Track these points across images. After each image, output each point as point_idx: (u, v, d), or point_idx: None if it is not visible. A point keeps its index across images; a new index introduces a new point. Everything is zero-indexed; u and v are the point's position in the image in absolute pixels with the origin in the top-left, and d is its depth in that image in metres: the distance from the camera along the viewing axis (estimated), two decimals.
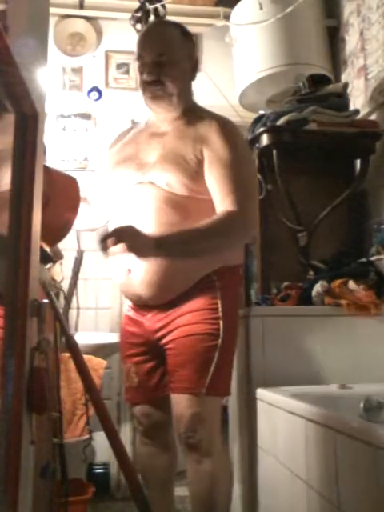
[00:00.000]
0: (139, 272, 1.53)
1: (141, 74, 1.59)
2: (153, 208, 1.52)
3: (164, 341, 1.58)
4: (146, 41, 1.61)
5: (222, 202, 1.48)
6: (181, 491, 2.15)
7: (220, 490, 1.54)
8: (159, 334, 1.59)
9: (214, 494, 1.53)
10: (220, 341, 1.53)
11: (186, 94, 1.61)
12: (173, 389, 1.55)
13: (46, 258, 1.44)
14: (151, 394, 1.66)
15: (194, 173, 1.51)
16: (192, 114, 1.61)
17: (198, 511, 1.55)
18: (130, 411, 2.03)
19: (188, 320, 1.54)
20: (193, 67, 1.64)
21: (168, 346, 1.57)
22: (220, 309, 1.56)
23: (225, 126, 1.56)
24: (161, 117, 1.62)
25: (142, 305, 1.62)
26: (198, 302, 1.56)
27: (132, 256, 1.39)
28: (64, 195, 1.43)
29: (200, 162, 1.51)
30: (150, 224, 1.49)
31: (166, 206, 1.51)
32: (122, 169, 1.62)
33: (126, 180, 1.59)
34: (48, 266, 1.53)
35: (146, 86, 1.57)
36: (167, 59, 1.55)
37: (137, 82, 3.19)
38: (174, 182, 1.50)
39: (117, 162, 1.66)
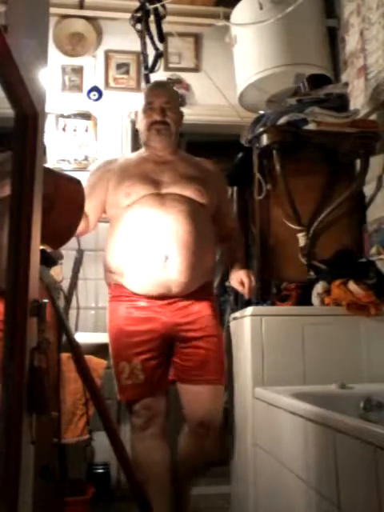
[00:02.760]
0: (175, 261, 1.81)
1: (148, 116, 1.99)
2: (182, 212, 1.87)
3: (189, 335, 1.86)
4: (156, 91, 2.05)
5: (228, 218, 2.16)
6: None
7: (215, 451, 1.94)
8: (183, 327, 1.86)
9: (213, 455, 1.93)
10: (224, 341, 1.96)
11: (177, 137, 2.06)
12: (197, 381, 1.83)
13: (50, 261, 1.45)
14: (156, 387, 1.83)
15: (206, 187, 1.98)
16: (181, 153, 2.11)
17: (199, 469, 1.94)
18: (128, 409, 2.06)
19: (209, 322, 1.89)
20: (181, 118, 2.09)
21: (194, 343, 1.85)
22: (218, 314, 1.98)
23: (220, 169, 2.16)
24: (160, 152, 2.01)
25: (163, 297, 1.85)
26: (209, 307, 1.91)
27: (170, 246, 1.81)
28: (69, 198, 1.43)
29: (206, 183, 1.99)
30: (181, 224, 1.84)
31: (192, 209, 1.90)
32: (132, 184, 1.92)
33: (141, 193, 1.89)
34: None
35: (154, 124, 1.98)
36: (171, 106, 2.01)
37: (137, 82, 3.20)
38: (198, 192, 1.94)
39: (123, 180, 1.94)
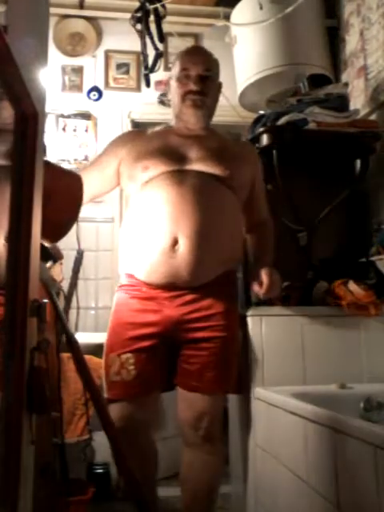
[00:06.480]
0: (185, 246, 1.59)
1: (183, 85, 1.75)
2: (202, 192, 1.64)
3: (193, 335, 1.62)
4: (194, 56, 1.80)
5: (261, 207, 1.91)
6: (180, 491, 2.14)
7: (220, 474, 1.74)
8: (187, 326, 1.62)
9: (218, 479, 1.72)
10: (239, 344, 1.74)
11: (213, 111, 1.85)
12: (196, 388, 1.60)
13: (47, 256, 1.44)
14: (148, 389, 1.59)
15: (238, 167, 1.74)
16: (213, 130, 1.85)
17: (204, 497, 1.66)
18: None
19: (220, 320, 1.64)
20: (220, 90, 1.88)
21: (198, 345, 1.62)
22: (238, 313, 1.76)
23: (256, 151, 1.96)
24: (191, 125, 1.78)
25: (170, 287, 1.62)
26: (224, 302, 1.66)
27: (180, 229, 1.59)
28: (66, 192, 1.42)
29: (239, 163, 1.76)
30: (197, 205, 1.61)
31: (215, 191, 1.68)
32: (151, 157, 1.70)
33: (160, 169, 1.67)
34: (48, 264, 1.53)
35: (189, 94, 1.74)
36: (212, 75, 1.78)
37: (137, 82, 3.20)
38: (227, 171, 1.69)
39: (143, 153, 1.73)
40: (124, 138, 1.85)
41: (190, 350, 1.62)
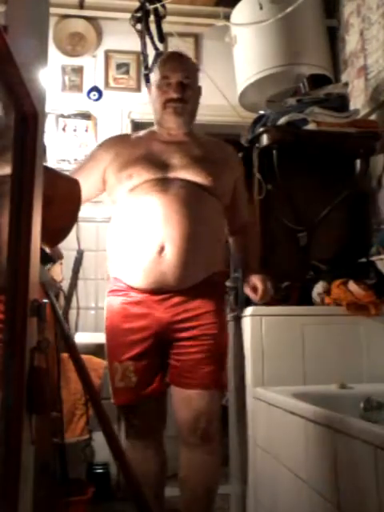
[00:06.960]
0: (171, 252, 1.64)
1: (163, 93, 1.78)
2: (186, 200, 1.69)
3: (183, 334, 1.67)
4: (174, 64, 1.82)
5: (243, 210, 1.95)
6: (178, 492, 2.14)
7: (219, 474, 1.75)
8: (177, 326, 1.66)
9: (217, 479, 1.73)
10: (228, 340, 1.79)
11: (194, 116, 1.86)
12: (191, 385, 1.64)
13: (46, 259, 1.44)
14: (151, 392, 1.66)
15: (220, 173, 1.79)
16: (195, 134, 1.88)
17: (203, 497, 1.67)
18: (118, 413, 1.94)
19: (208, 319, 1.68)
20: (199, 95, 1.89)
21: (188, 343, 1.66)
22: (227, 311, 1.82)
23: (236, 154, 2.00)
24: (173, 131, 1.82)
25: (158, 291, 1.67)
26: (212, 303, 1.71)
27: (166, 236, 1.63)
28: (66, 199, 1.43)
29: (222, 169, 1.80)
30: (182, 212, 1.66)
31: (199, 197, 1.73)
32: (136, 165, 1.74)
33: (144, 177, 1.71)
34: (48, 266, 1.53)
35: (170, 102, 1.78)
36: (190, 82, 1.80)
37: (137, 82, 3.20)
38: (210, 178, 1.74)
39: (128, 161, 1.76)
40: (108, 145, 1.87)
41: (182, 349, 1.67)
